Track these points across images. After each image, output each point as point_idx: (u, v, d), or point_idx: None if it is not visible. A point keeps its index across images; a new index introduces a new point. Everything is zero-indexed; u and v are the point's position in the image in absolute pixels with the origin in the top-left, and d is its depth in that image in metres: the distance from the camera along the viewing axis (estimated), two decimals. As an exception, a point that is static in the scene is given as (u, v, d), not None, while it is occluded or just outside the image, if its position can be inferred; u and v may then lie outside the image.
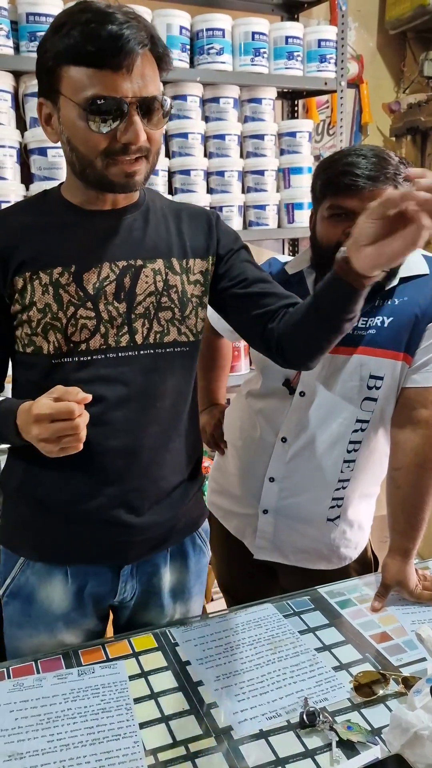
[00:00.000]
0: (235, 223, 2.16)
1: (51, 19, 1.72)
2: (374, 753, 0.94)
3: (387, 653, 1.16)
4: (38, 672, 1.12)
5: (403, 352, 1.34)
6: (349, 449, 1.39)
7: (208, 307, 1.22)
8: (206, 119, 2.13)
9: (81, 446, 0.97)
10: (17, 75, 1.83)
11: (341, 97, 2.27)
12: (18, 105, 1.86)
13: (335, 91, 2.27)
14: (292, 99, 2.48)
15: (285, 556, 1.47)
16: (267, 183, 2.20)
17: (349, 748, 0.96)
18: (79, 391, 0.95)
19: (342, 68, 2.24)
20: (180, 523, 1.24)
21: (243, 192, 2.20)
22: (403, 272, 1.36)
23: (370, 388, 1.35)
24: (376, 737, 0.97)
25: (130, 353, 1.11)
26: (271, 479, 1.43)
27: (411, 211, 0.87)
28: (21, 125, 1.87)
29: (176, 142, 2.07)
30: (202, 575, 1.34)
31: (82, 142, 0.99)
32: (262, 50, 2.09)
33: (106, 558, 1.19)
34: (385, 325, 1.35)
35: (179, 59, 1.98)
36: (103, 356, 1.10)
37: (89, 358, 1.09)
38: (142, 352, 1.12)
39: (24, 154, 1.87)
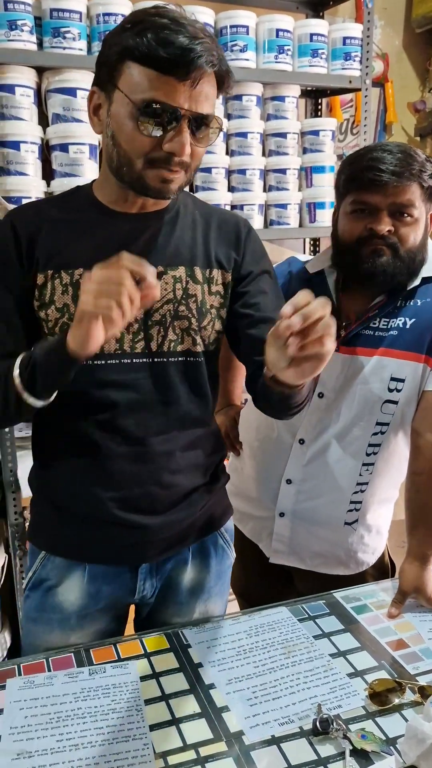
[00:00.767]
0: (256, 222, 2.14)
1: (74, 15, 1.77)
2: (389, 763, 0.92)
3: (403, 661, 1.14)
4: (49, 670, 1.12)
5: (425, 354, 1.31)
6: (368, 452, 1.36)
7: None
8: (228, 116, 2.11)
9: (118, 322, 0.88)
10: (40, 71, 1.83)
11: (366, 96, 2.25)
12: (40, 101, 1.86)
13: (360, 90, 2.24)
14: (316, 97, 2.46)
15: (302, 560, 1.45)
16: (289, 182, 2.17)
17: (363, 757, 0.94)
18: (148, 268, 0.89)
19: (367, 66, 2.21)
20: (199, 521, 1.23)
21: (264, 190, 2.18)
22: (425, 272, 1.34)
23: (390, 390, 1.33)
24: (391, 747, 0.95)
25: (144, 360, 1.11)
26: (289, 481, 1.41)
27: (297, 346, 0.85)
28: (43, 121, 1.87)
29: (198, 139, 2.05)
30: (224, 576, 1.32)
31: (128, 140, 0.99)
32: (286, 47, 2.07)
33: (123, 558, 1.19)
34: (407, 326, 1.33)
35: (202, 56, 1.96)
36: (116, 361, 1.09)
37: (103, 362, 1.08)
38: (155, 359, 1.11)
39: (46, 150, 1.87)
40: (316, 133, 2.21)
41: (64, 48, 1.78)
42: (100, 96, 1.04)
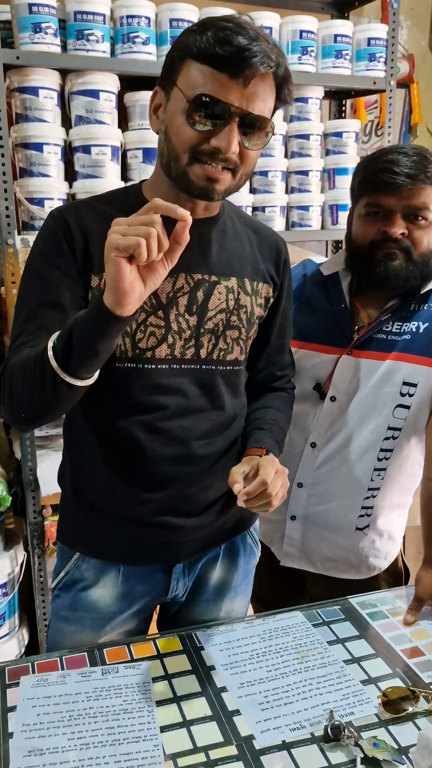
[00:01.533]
0: (278, 224, 2.14)
1: (98, 17, 1.78)
2: (400, 773, 0.91)
3: (418, 669, 1.12)
4: (63, 668, 1.12)
5: None
6: (380, 457, 1.35)
7: None
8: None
9: (144, 255, 0.84)
10: (63, 73, 1.84)
11: (390, 97, 2.23)
12: (64, 103, 1.87)
13: (384, 91, 2.22)
14: (340, 99, 2.45)
15: (313, 564, 1.44)
16: (311, 183, 2.17)
17: (375, 765, 0.93)
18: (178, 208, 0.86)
19: (392, 67, 2.19)
20: (231, 521, 1.25)
21: (287, 192, 2.17)
22: None
23: (403, 395, 1.31)
24: (403, 756, 0.94)
25: (192, 366, 1.12)
26: (300, 485, 1.40)
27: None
28: (66, 123, 1.88)
29: (220, 141, 2.06)
30: (249, 576, 1.33)
31: (176, 133, 1.00)
32: (309, 49, 2.06)
33: (157, 558, 1.20)
34: (421, 330, 1.31)
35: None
36: (166, 366, 1.10)
37: (153, 366, 1.09)
38: (203, 366, 1.13)
39: (68, 152, 1.89)
40: (339, 134, 2.20)
41: (88, 50, 1.79)
42: (161, 95, 1.05)
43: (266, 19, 2.00)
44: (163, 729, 0.99)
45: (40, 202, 1.80)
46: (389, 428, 1.34)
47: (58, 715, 1.02)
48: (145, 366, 1.09)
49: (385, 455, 1.35)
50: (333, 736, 0.96)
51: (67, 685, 1.08)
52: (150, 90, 1.09)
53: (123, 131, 1.91)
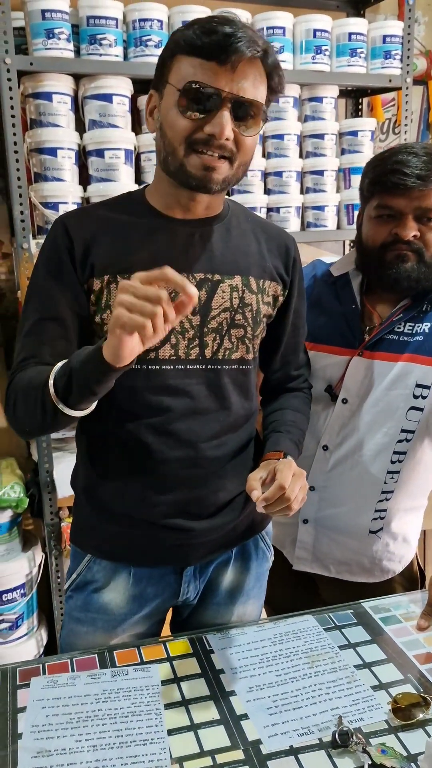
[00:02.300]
0: (293, 225, 2.13)
1: (111, 22, 1.79)
2: (408, 780, 0.90)
3: (430, 675, 1.11)
4: (73, 670, 1.13)
5: None
6: (393, 460, 1.33)
7: None
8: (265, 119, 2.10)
9: (150, 338, 0.86)
10: (77, 78, 1.86)
11: (406, 95, 2.20)
12: (77, 107, 1.89)
13: (400, 89, 2.20)
14: (356, 97, 2.43)
15: (326, 568, 1.43)
16: (326, 183, 2.15)
17: (382, 773, 0.91)
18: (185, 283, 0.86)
19: (408, 64, 2.17)
20: (242, 524, 1.24)
21: (301, 193, 2.16)
22: None
23: (416, 397, 1.30)
24: (412, 764, 0.93)
25: (198, 366, 1.12)
26: (312, 488, 1.39)
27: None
28: (80, 127, 1.89)
29: (234, 142, 2.05)
30: (262, 580, 1.32)
31: (171, 126, 1.01)
32: (323, 48, 2.05)
33: (168, 560, 1.20)
34: None
35: (239, 59, 1.96)
36: (171, 367, 1.10)
37: (158, 367, 1.10)
38: (209, 366, 1.13)
39: (83, 156, 1.90)
40: (354, 133, 2.18)
41: (101, 55, 1.80)
42: (155, 97, 1.06)
43: (278, 18, 1.99)
44: (171, 732, 0.99)
45: (54, 206, 1.82)
46: (402, 431, 1.32)
47: (67, 716, 1.03)
48: (150, 367, 1.10)
49: (399, 458, 1.34)
50: (341, 742, 0.95)
51: (77, 686, 1.09)
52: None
53: (136, 134, 1.92)
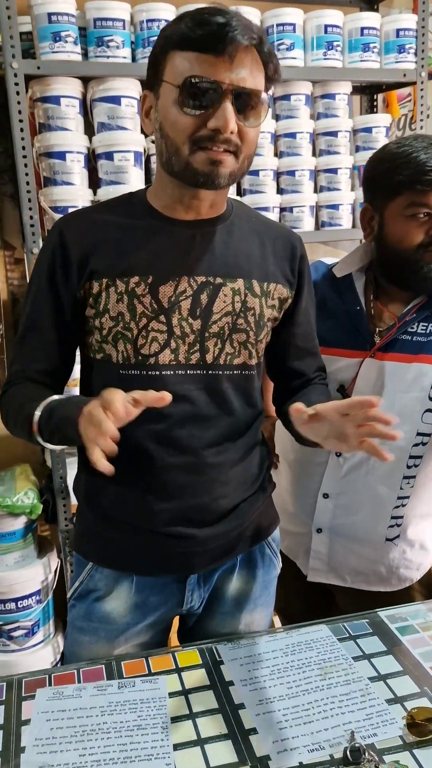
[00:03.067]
0: (307, 224, 2.09)
1: (118, 23, 1.77)
2: (421, 801, 0.86)
3: (448, 688, 1.06)
4: (79, 681, 1.11)
5: None
6: (409, 464, 1.29)
7: None
8: (277, 117, 2.07)
9: (105, 448, 0.89)
10: (85, 80, 1.85)
11: (422, 89, 2.15)
12: (86, 110, 1.87)
13: (415, 83, 2.15)
14: (371, 93, 2.38)
15: (341, 578, 1.39)
16: (341, 181, 2.11)
17: (395, 792, 0.88)
18: (123, 400, 0.90)
19: (422, 58, 2.12)
20: (247, 531, 1.21)
21: (315, 191, 2.13)
22: None
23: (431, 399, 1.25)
24: (426, 783, 0.89)
25: (199, 372, 1.09)
26: (325, 495, 1.35)
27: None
28: (89, 131, 1.88)
29: (245, 142, 2.02)
30: (270, 587, 1.29)
31: (172, 125, 0.98)
32: (335, 43, 2.01)
33: (170, 569, 1.17)
34: None
35: (249, 57, 1.93)
36: (171, 372, 1.07)
37: (158, 373, 1.07)
38: (210, 372, 1.10)
39: (92, 159, 1.89)
40: (368, 130, 2.14)
41: (108, 57, 1.79)
42: (150, 97, 1.04)
43: (288, 15, 1.96)
44: (177, 747, 0.96)
45: (64, 211, 1.80)
46: (418, 434, 1.28)
47: (71, 729, 1.00)
48: (149, 372, 1.07)
49: (415, 462, 1.29)
50: (352, 759, 0.92)
51: (83, 698, 1.06)
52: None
53: (146, 136, 1.90)
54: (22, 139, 1.72)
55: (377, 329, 1.32)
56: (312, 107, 2.11)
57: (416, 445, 1.28)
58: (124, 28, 1.81)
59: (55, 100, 1.78)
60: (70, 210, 1.79)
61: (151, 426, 1.09)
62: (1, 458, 2.11)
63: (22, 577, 1.95)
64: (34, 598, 1.98)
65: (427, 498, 1.34)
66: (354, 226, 2.17)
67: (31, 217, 1.76)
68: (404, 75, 2.11)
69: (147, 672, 1.12)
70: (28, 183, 1.74)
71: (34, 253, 1.78)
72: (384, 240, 1.28)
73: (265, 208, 2.01)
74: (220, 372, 1.10)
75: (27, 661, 1.98)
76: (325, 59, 2.01)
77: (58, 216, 1.79)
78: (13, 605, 1.95)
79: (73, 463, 1.96)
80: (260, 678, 1.09)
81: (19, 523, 1.93)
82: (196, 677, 1.11)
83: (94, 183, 1.90)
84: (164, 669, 1.13)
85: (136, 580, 1.17)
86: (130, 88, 1.83)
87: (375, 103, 2.40)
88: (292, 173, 2.06)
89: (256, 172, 2.01)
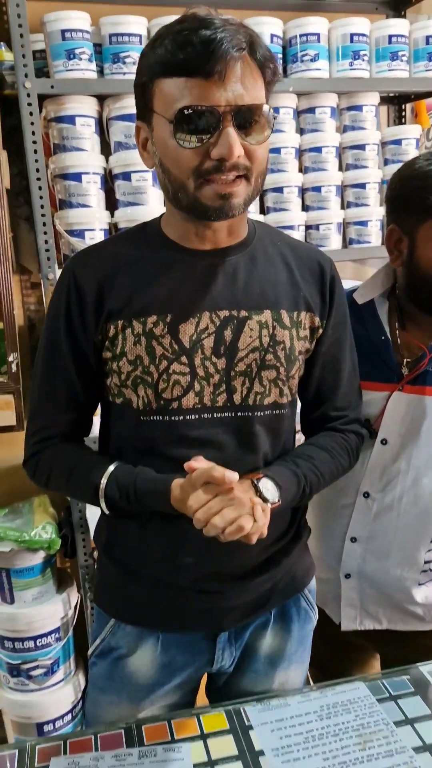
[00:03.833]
0: (334, 242, 2.00)
1: (134, 38, 1.70)
2: None
3: None
4: (96, 749, 1.02)
5: None
6: None
7: None
8: (301, 131, 1.99)
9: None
10: (101, 99, 1.78)
11: (453, 98, 2.06)
12: (102, 129, 1.81)
13: (447, 91, 2.06)
14: (399, 103, 2.29)
15: (376, 620, 1.29)
16: (369, 197, 2.02)
17: None
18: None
19: (454, 66, 2.02)
20: (281, 583, 1.11)
21: (342, 207, 2.04)
22: None
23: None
24: None
25: (226, 414, 1.00)
26: (353, 539, 1.25)
27: None
28: (105, 150, 1.81)
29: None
30: (306, 642, 1.19)
31: (173, 161, 0.90)
32: (362, 53, 1.92)
33: (198, 626, 1.08)
34: None
35: (271, 70, 1.85)
36: (196, 416, 0.99)
37: (181, 418, 0.99)
38: (239, 413, 1.00)
39: (109, 180, 1.82)
40: (398, 142, 2.05)
41: (125, 73, 1.72)
42: (144, 129, 0.96)
43: (312, 24, 1.87)
44: None
45: (80, 234, 1.74)
46: None
47: (85, 809, 0.92)
48: (173, 418, 0.99)
49: None
50: None
51: (100, 770, 0.98)
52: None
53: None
54: (36, 161, 1.65)
55: (405, 360, 1.21)
56: (338, 120, 2.03)
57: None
58: (141, 44, 1.74)
59: (70, 119, 1.72)
60: (87, 233, 1.74)
61: (175, 474, 1.00)
62: (19, 489, 2.04)
63: (41, 615, 1.87)
64: (53, 635, 1.90)
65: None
66: (383, 243, 2.07)
67: (46, 242, 1.70)
68: (435, 84, 2.01)
69: (170, 738, 1.04)
70: (42, 206, 1.68)
71: (49, 279, 1.71)
72: (415, 265, 1.17)
73: (290, 227, 1.93)
74: (250, 413, 1.01)
75: (47, 701, 1.90)
76: (351, 69, 1.92)
77: (74, 240, 1.73)
78: (31, 643, 1.87)
79: (93, 495, 1.89)
80: (293, 746, 1.00)
81: (38, 558, 1.86)
82: (223, 745, 1.02)
83: (112, 204, 1.83)
84: (188, 735, 1.04)
85: (162, 638, 1.08)
86: (147, 106, 1.76)
87: (403, 114, 2.30)
88: (317, 189, 1.97)
89: (280, 189, 1.92)
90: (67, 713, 1.94)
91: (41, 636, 1.88)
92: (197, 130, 0.87)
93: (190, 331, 0.98)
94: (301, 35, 1.87)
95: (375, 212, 2.03)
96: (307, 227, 1.99)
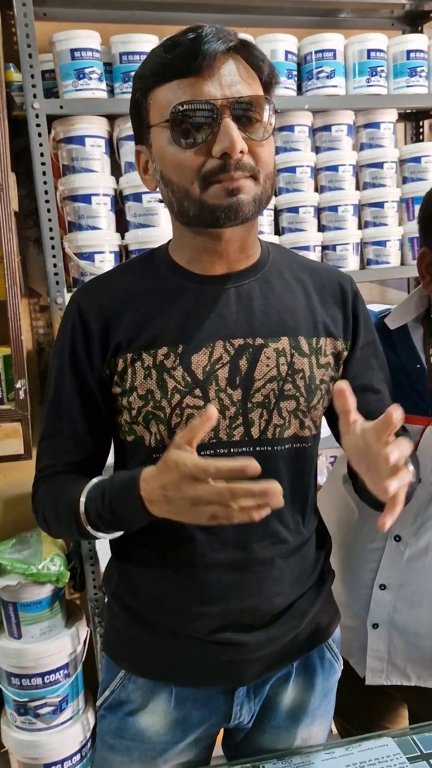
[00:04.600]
0: (351, 263, 1.94)
1: (144, 57, 1.65)
2: None
3: None
4: None
5: None
6: None
7: None
8: (317, 150, 1.94)
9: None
10: (111, 118, 1.74)
11: (474, 113, 2.00)
12: (112, 149, 1.76)
13: (467, 107, 2.00)
14: (417, 120, 2.23)
15: (405, 676, 1.20)
16: (387, 216, 1.96)
17: None
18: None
19: (475, 80, 1.96)
20: (304, 633, 1.03)
21: (360, 227, 1.98)
22: None
23: None
24: None
25: (244, 449, 0.93)
26: (383, 586, 1.17)
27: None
28: (116, 171, 1.77)
29: (283, 177, 1.89)
30: (330, 695, 1.11)
31: (174, 168, 0.86)
32: (379, 69, 1.87)
33: (216, 680, 1.01)
34: None
35: (285, 87, 1.81)
36: (211, 452, 0.92)
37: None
38: (257, 448, 0.94)
39: (119, 201, 1.77)
40: (417, 159, 1.99)
41: (136, 93, 1.68)
42: (144, 152, 0.92)
43: (328, 41, 1.82)
44: None
45: (90, 257, 1.69)
46: None
47: None
48: None
49: None
50: None
51: None
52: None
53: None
54: (45, 182, 1.61)
55: None
56: (355, 137, 1.97)
57: None
58: (152, 62, 1.70)
59: (80, 140, 1.67)
60: (96, 256, 1.68)
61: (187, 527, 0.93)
62: (26, 518, 1.98)
63: (49, 650, 1.80)
64: (62, 672, 1.83)
65: None
66: (403, 263, 2.01)
67: (55, 265, 1.65)
68: (455, 99, 1.96)
69: (183, 803, 0.96)
70: (51, 228, 1.63)
71: (58, 303, 1.66)
72: None
73: (306, 247, 1.87)
74: (269, 448, 0.94)
75: (54, 740, 1.83)
76: (368, 86, 1.87)
77: (83, 263, 1.68)
78: (39, 680, 1.80)
79: (103, 526, 1.82)
80: None
81: (46, 591, 1.79)
82: (242, 810, 0.94)
83: (122, 226, 1.78)
84: (203, 800, 0.96)
85: (176, 692, 1.01)
86: (159, 125, 1.71)
87: (421, 130, 2.24)
88: (334, 209, 1.91)
89: (295, 209, 1.87)
90: (75, 753, 1.86)
91: (49, 673, 1.81)
92: (194, 127, 0.84)
93: (203, 361, 0.92)
94: (316, 52, 1.82)
95: (393, 232, 1.97)
96: (324, 248, 1.93)
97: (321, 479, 1.42)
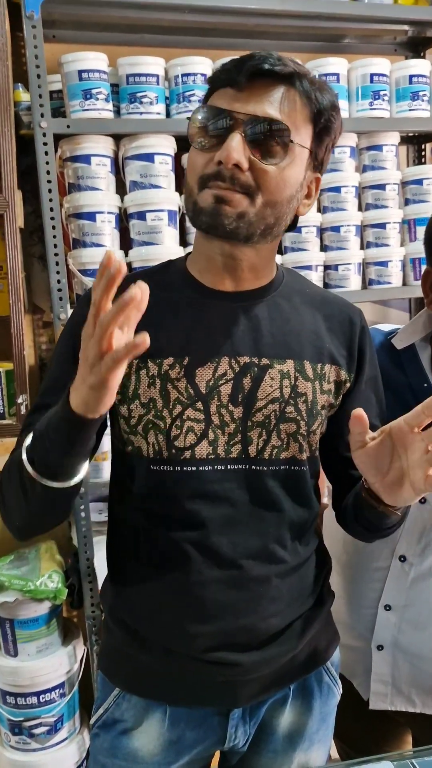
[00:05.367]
0: (353, 283, 1.95)
1: (151, 79, 1.68)
2: None
3: None
4: None
5: None
6: None
7: None
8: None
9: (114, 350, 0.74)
10: (117, 138, 1.76)
11: None
12: (117, 168, 1.78)
13: (469, 131, 2.02)
14: (419, 143, 2.26)
15: (410, 702, 1.18)
16: (390, 237, 1.97)
17: None
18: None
19: None
20: (302, 655, 1.02)
21: (362, 248, 1.99)
22: None
23: None
24: None
25: (239, 466, 0.93)
26: (387, 607, 1.16)
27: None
28: (121, 189, 1.79)
29: (286, 197, 1.91)
30: (329, 719, 1.09)
31: (189, 166, 0.90)
32: (382, 92, 1.90)
33: (210, 700, 0.99)
34: None
35: (289, 110, 1.83)
36: (209, 467, 0.92)
37: (193, 469, 0.92)
38: (253, 467, 0.94)
39: (123, 219, 1.79)
40: (419, 182, 2.01)
41: (141, 113, 1.71)
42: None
43: (332, 65, 1.86)
44: None
45: (93, 274, 1.70)
46: None
47: None
48: (184, 469, 0.92)
49: None
50: None
51: None
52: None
53: (181, 194, 1.80)
54: (51, 200, 1.63)
55: None
56: (357, 159, 2.00)
57: None
58: (158, 84, 1.73)
59: (86, 159, 1.69)
60: (100, 273, 1.69)
61: (183, 533, 0.93)
62: (26, 534, 1.98)
63: (45, 669, 1.78)
64: (57, 691, 1.80)
65: None
66: (405, 283, 2.02)
67: (59, 281, 1.66)
68: (456, 123, 1.98)
69: None
70: (56, 245, 1.65)
71: (61, 319, 1.67)
72: None
73: (308, 267, 1.88)
74: (264, 468, 0.94)
75: (49, 761, 1.80)
76: (371, 109, 1.90)
77: (87, 279, 1.69)
78: (34, 699, 1.78)
79: (101, 542, 1.81)
80: None
81: (43, 608, 1.77)
82: None
83: (126, 244, 1.79)
84: None
85: (170, 712, 1.00)
86: (163, 145, 1.74)
87: (423, 153, 2.27)
88: (336, 229, 1.93)
89: (298, 229, 1.88)
90: (70, 775, 1.84)
91: (45, 691, 1.78)
92: (209, 132, 0.86)
93: (207, 375, 0.92)
94: (320, 75, 1.84)
95: (395, 253, 1.98)
96: (326, 267, 1.95)
97: (326, 500, 1.42)
